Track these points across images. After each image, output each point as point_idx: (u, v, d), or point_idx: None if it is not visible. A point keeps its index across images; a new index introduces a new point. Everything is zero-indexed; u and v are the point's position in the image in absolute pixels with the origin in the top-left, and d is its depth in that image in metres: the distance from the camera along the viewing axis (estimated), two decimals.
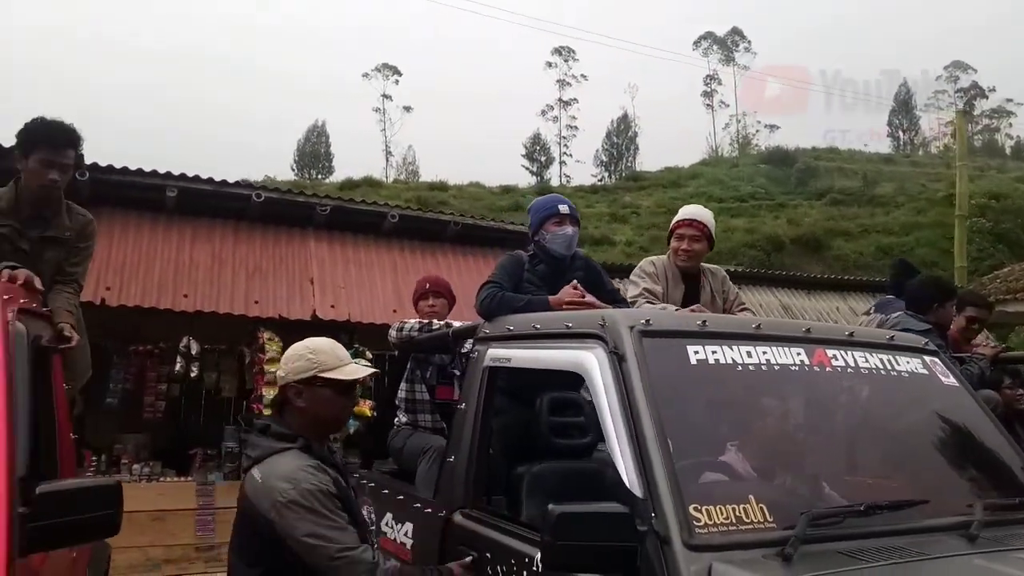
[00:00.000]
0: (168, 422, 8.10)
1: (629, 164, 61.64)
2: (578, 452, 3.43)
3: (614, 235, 31.51)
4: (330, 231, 8.93)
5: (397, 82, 63.05)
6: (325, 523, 2.37)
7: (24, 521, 1.91)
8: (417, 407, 4.30)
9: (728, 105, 68.95)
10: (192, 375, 7.57)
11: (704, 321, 2.54)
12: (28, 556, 1.99)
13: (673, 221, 4.01)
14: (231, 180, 8.43)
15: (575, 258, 3.73)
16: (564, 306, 3.27)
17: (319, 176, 51.61)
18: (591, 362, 2.39)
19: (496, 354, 3.13)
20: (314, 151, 57.88)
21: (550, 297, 3.37)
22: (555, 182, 54.79)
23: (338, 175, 46.85)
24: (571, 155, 65.24)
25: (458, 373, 4.19)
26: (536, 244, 3.70)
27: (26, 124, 3.48)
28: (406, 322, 4.30)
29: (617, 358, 2.30)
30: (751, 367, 2.42)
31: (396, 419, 4.38)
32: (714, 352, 2.40)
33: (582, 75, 67.13)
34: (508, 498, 3.24)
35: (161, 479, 7.61)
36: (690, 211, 4.03)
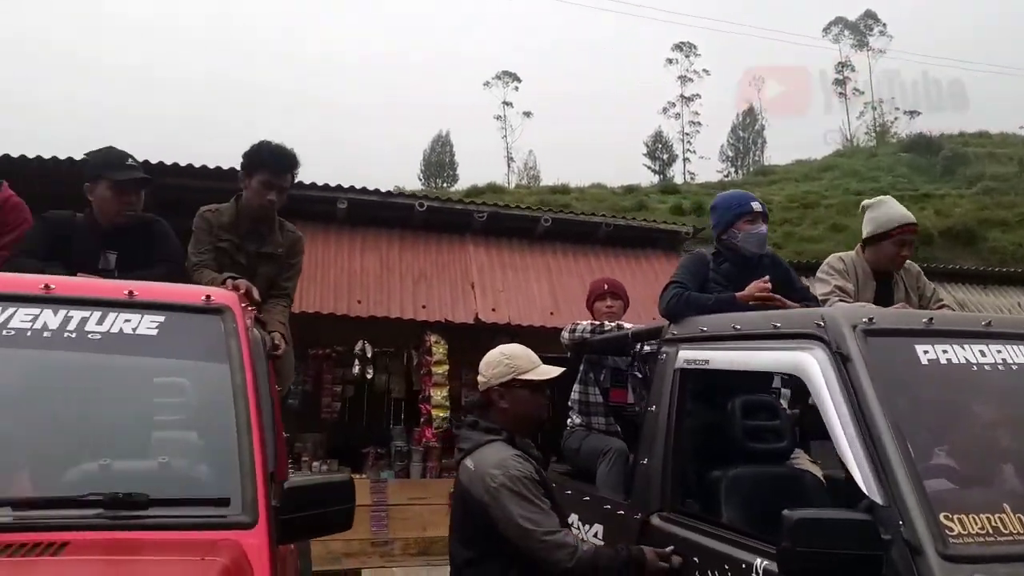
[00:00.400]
0: (341, 422, 8.54)
1: (756, 158, 59.31)
2: (774, 457, 3.32)
3: None
4: (486, 236, 9.14)
5: (517, 88, 63.30)
6: (531, 507, 2.60)
7: (276, 514, 2.06)
8: (591, 409, 4.30)
9: (862, 92, 64.70)
10: (368, 377, 7.94)
11: (930, 319, 2.40)
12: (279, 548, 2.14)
13: (888, 225, 3.63)
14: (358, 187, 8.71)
15: (762, 256, 3.62)
16: (753, 302, 3.19)
17: (444, 184, 52.84)
18: (810, 364, 2.30)
19: (690, 356, 3.09)
20: (439, 160, 59.52)
21: (737, 294, 3.28)
22: (679, 179, 53.26)
23: (462, 183, 47.75)
24: (695, 151, 63.26)
25: (640, 375, 4.16)
26: (722, 243, 3.60)
27: (252, 147, 3.70)
28: (579, 324, 4.31)
29: (841, 359, 2.20)
30: (987, 367, 2.26)
31: (569, 421, 4.40)
32: (945, 352, 2.26)
33: (704, 70, 65.12)
34: (702, 502, 3.18)
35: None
36: (905, 214, 3.69)
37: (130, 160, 3.44)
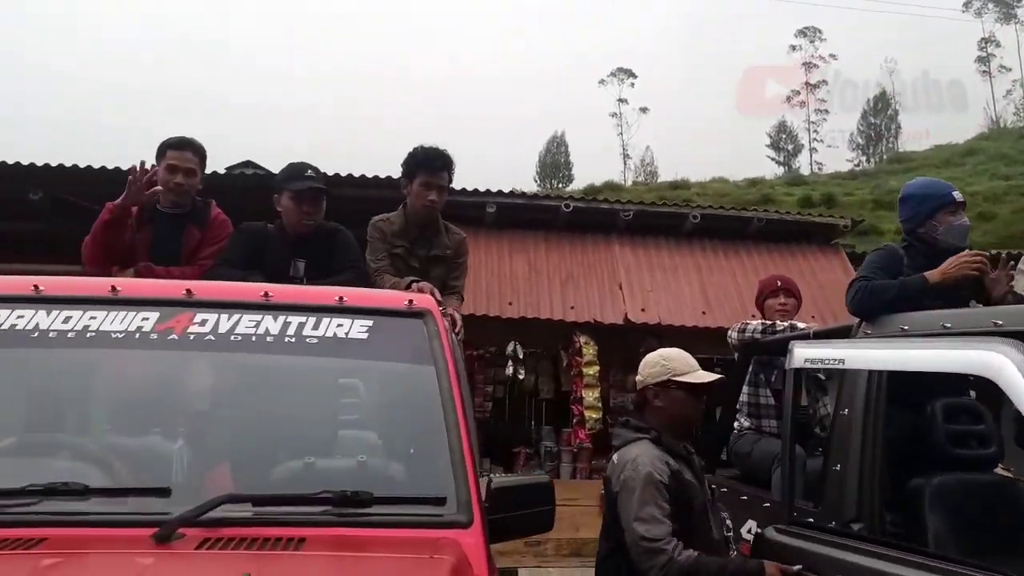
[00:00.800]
0: (491, 422, 8.67)
1: (890, 145, 55.60)
2: (980, 464, 3.09)
3: (881, 224, 28.26)
4: (632, 235, 9.05)
5: (632, 85, 62.29)
6: (643, 510, 2.70)
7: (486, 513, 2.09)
8: (761, 411, 4.16)
9: (1009, 69, 59.09)
10: (520, 378, 8.04)
11: None
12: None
13: None
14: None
15: (962, 249, 3.36)
16: (956, 281, 3.00)
17: (559, 185, 52.62)
18: None
19: (887, 356, 2.91)
20: (554, 161, 59.42)
21: (929, 273, 3.07)
22: (805, 170, 50.71)
23: (578, 182, 47.40)
24: (821, 140, 60.00)
25: (824, 378, 3.99)
26: (916, 236, 3.37)
27: (408, 153, 3.87)
28: (748, 323, 4.18)
29: None
30: None
31: (736, 424, 4.27)
32: None
33: (830, 55, 61.58)
34: (899, 512, 3.00)
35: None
36: None
37: (309, 171, 3.62)
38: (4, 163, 7.40)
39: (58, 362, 2.21)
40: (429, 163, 3.80)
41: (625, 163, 58.46)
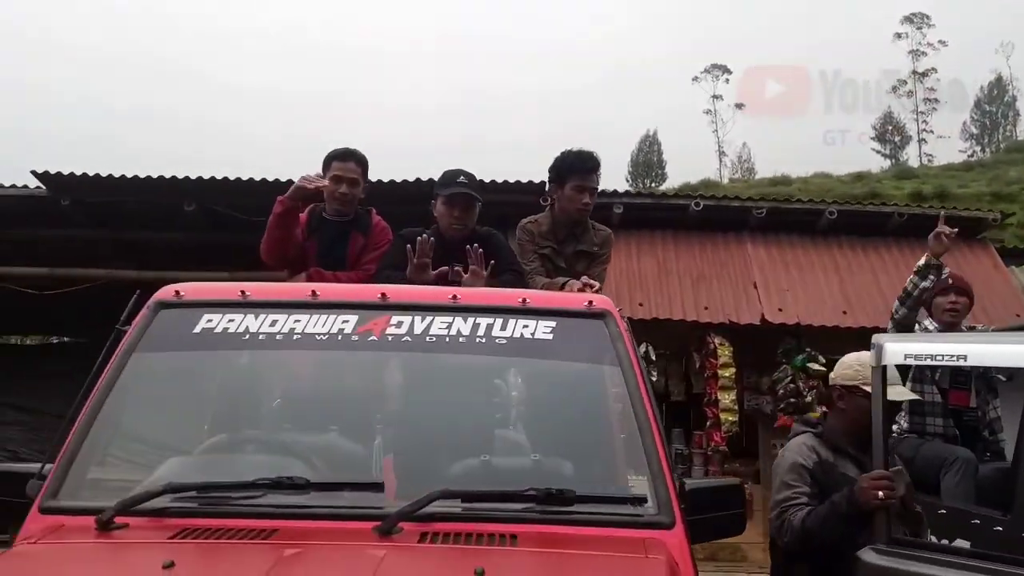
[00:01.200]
0: None
1: (1008, 133, 51.51)
2: None
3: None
4: (765, 233, 8.80)
5: (727, 81, 60.13)
6: (783, 489, 2.92)
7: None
8: (925, 410, 3.98)
9: None
10: (654, 379, 7.94)
11: None
12: None
13: None
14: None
15: None
16: None
17: (653, 184, 51.45)
18: None
19: None
20: (646, 160, 58.34)
21: None
22: (914, 162, 47.46)
23: (672, 181, 46.23)
24: (931, 131, 56.14)
25: (1004, 379, 3.77)
26: None
27: (556, 159, 3.92)
28: (918, 322, 4.00)
29: None
30: None
31: (896, 426, 4.07)
32: None
33: (940, 41, 57.49)
34: None
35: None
36: None
37: (461, 177, 3.70)
38: (161, 176, 7.90)
39: (268, 363, 2.34)
40: (581, 166, 3.84)
41: (721, 160, 56.91)
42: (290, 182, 3.76)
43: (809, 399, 7.48)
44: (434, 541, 1.77)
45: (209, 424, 2.37)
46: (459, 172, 3.74)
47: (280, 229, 3.64)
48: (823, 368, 7.61)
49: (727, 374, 7.50)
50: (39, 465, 2.04)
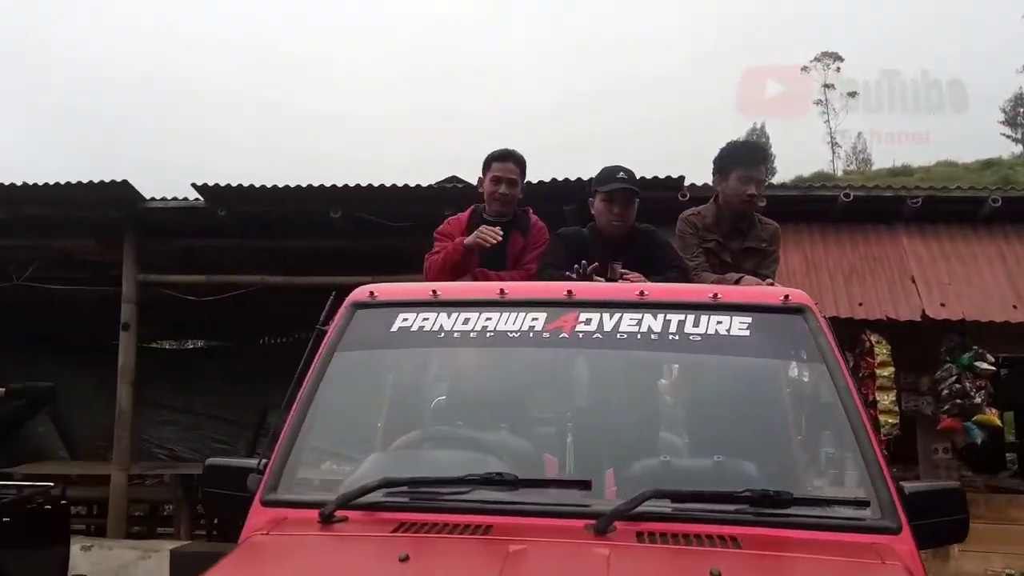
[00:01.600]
0: None
1: None
2: None
3: None
4: (921, 224, 8.25)
5: (839, 69, 56.37)
6: None
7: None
8: None
9: None
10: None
11: None
12: None
13: None
14: None
15: None
16: None
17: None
18: None
19: None
20: None
21: None
22: None
23: (783, 174, 43.87)
24: None
25: None
26: None
27: (721, 150, 3.87)
28: None
29: None
30: None
31: None
32: None
33: None
34: None
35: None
36: None
37: (620, 173, 3.65)
38: (310, 185, 8.24)
39: (464, 360, 2.38)
40: (748, 156, 3.79)
41: (834, 151, 53.92)
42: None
43: (978, 400, 6.96)
44: (652, 541, 1.73)
45: (407, 419, 2.43)
46: (618, 168, 3.70)
47: (458, 268, 3.63)
48: (992, 367, 7.08)
49: (886, 373, 7.07)
50: (256, 460, 2.14)
